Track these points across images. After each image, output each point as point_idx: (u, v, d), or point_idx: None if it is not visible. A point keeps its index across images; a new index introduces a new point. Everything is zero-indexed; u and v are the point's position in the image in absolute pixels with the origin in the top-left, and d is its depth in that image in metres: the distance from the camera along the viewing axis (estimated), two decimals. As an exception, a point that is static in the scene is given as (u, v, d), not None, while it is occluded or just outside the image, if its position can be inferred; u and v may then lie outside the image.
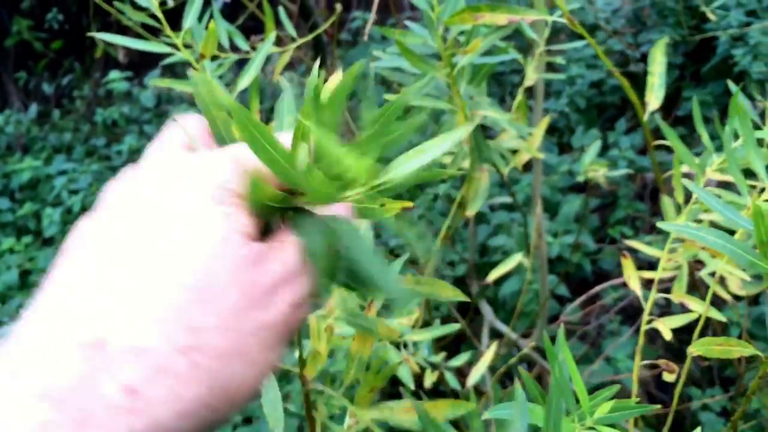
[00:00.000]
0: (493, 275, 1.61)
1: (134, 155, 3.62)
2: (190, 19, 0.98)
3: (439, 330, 1.31)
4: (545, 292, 1.81)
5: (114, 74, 3.71)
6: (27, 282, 3.30)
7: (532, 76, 1.43)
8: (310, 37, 1.70)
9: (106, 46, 3.09)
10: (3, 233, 3.54)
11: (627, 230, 2.29)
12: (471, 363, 1.65)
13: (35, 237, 3.48)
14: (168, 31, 0.97)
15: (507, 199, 2.52)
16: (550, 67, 1.57)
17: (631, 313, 2.15)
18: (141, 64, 3.94)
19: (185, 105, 3.84)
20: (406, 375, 1.21)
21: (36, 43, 4.54)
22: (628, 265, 0.87)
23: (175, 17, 1.01)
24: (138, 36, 1.06)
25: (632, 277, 0.89)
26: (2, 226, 3.57)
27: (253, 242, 0.35)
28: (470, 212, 1.29)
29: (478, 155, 1.21)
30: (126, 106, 3.90)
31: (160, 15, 0.97)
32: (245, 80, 1.06)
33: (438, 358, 1.56)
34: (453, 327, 1.31)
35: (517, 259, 1.66)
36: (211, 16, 1.03)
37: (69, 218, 3.31)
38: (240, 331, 0.32)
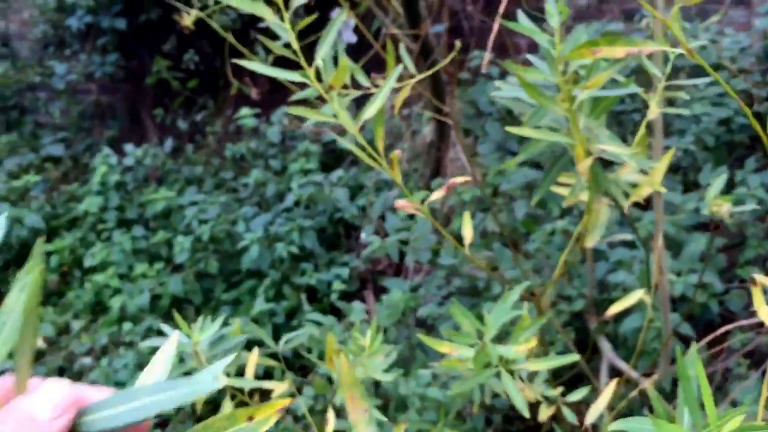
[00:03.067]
0: (613, 310, 1.58)
1: (260, 188, 3.79)
2: (324, 50, 1.05)
3: (555, 360, 1.30)
4: (668, 331, 1.76)
5: (245, 111, 3.91)
6: (157, 305, 3.50)
7: (655, 109, 1.42)
8: (428, 73, 1.75)
9: (239, 84, 3.27)
10: (137, 259, 3.77)
11: (757, 271, 2.19)
12: (588, 401, 1.62)
13: (166, 263, 3.69)
14: (302, 62, 1.04)
15: (627, 237, 2.47)
16: (671, 104, 1.55)
17: (759, 357, 2.05)
18: (269, 102, 4.14)
19: (307, 141, 3.99)
20: (521, 404, 1.21)
21: (173, 81, 4.85)
22: (758, 294, 0.85)
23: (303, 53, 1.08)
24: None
25: (762, 309, 0.87)
26: (137, 253, 3.79)
27: None
28: (589, 243, 1.28)
29: (596, 187, 1.21)
30: (253, 141, 4.09)
31: (296, 46, 1.03)
32: (370, 110, 1.12)
33: (555, 392, 1.54)
34: (570, 357, 1.30)
35: (637, 295, 1.62)
36: (336, 54, 1.10)
37: (198, 246, 3.49)
38: None
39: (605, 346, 2.15)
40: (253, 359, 1.41)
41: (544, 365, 1.28)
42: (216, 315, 3.24)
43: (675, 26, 1.22)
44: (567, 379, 2.14)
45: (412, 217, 2.99)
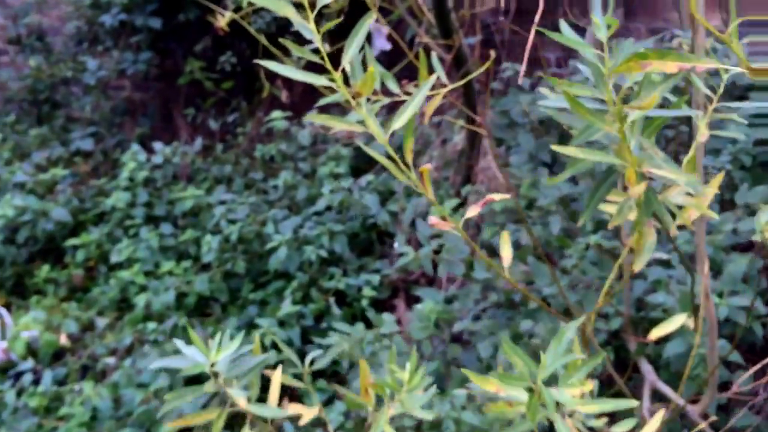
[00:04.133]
0: (655, 334, 1.57)
1: (290, 191, 3.80)
2: (350, 52, 1.03)
3: (611, 403, 1.24)
4: (714, 359, 1.74)
5: (276, 113, 3.93)
6: (183, 303, 3.51)
7: (705, 132, 1.41)
8: (461, 83, 1.75)
9: (272, 87, 3.30)
10: (164, 256, 3.78)
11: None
12: (634, 430, 1.60)
13: (194, 262, 3.70)
14: (329, 65, 1.02)
15: (663, 255, 2.46)
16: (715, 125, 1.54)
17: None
18: (300, 105, 4.16)
19: (338, 145, 4.00)
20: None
21: (207, 82, 4.88)
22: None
23: (332, 61, 1.06)
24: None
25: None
26: (164, 250, 3.81)
27: None
28: (638, 267, 1.27)
29: (646, 210, 1.20)
30: (284, 143, 4.11)
31: (322, 49, 1.01)
32: (401, 120, 1.10)
33: (600, 423, 1.53)
34: (626, 402, 1.23)
35: (680, 319, 1.61)
36: (365, 60, 1.09)
37: (226, 246, 3.50)
38: None
39: (646, 368, 2.13)
40: (277, 380, 1.25)
41: (598, 408, 1.24)
42: (243, 313, 3.28)
43: (734, 44, 1.21)
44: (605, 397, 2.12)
45: (443, 225, 2.99)
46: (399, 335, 2.62)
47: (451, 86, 1.57)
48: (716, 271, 2.26)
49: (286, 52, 3.31)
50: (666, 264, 2.49)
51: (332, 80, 1.01)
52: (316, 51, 1.03)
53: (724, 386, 1.90)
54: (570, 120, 1.16)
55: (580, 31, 1.16)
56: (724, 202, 2.79)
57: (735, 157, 2.79)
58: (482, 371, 2.10)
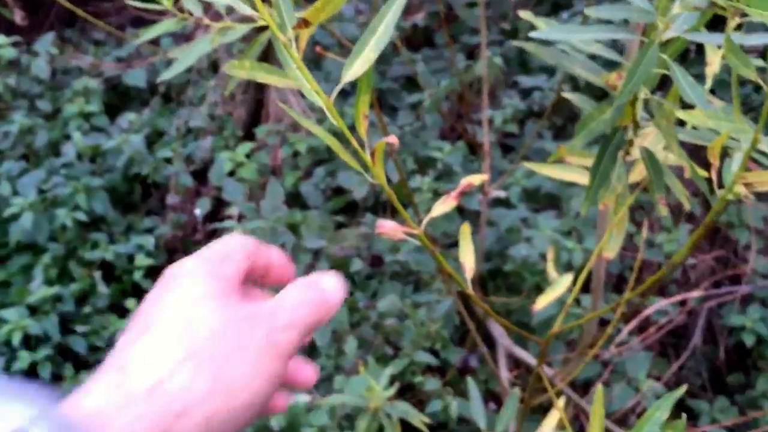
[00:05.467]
0: (542, 302, 1.22)
1: (25, 136, 3.01)
2: None
3: None
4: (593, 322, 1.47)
5: (1, 39, 3.07)
6: None
7: None
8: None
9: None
10: None
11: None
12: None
13: None
14: None
15: (500, 193, 2.14)
16: None
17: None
18: (31, 28, 3.31)
19: (86, 77, 3.24)
20: None
21: None
22: None
23: None
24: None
25: None
26: None
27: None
28: (611, 253, 0.90)
29: (656, 176, 0.80)
30: (12, 77, 3.26)
31: None
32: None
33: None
34: None
35: (567, 281, 1.27)
36: None
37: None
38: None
39: (498, 331, 1.82)
40: None
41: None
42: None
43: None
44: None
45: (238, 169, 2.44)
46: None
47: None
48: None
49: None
50: (506, 204, 2.19)
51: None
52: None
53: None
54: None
55: None
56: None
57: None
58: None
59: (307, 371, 0.47)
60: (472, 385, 1.13)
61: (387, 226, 0.60)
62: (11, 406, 0.36)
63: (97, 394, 0.37)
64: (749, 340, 2.05)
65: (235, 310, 0.41)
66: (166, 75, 0.96)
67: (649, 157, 0.77)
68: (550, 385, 1.54)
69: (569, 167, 0.89)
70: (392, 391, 1.31)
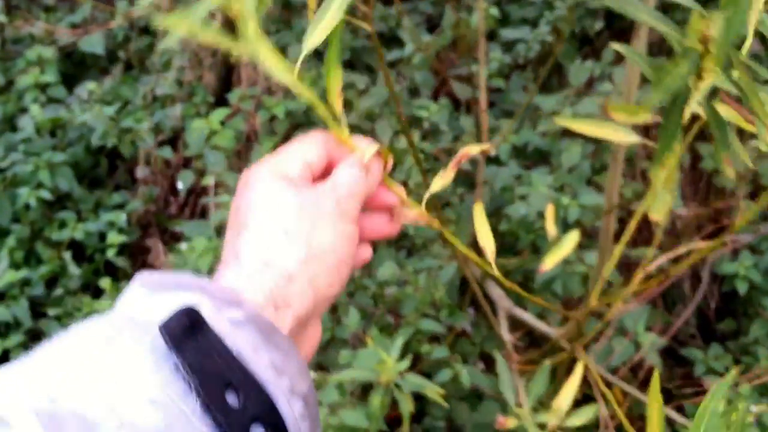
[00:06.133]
0: (550, 262, 1.14)
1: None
2: None
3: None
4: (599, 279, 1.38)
5: (-58, 6, 2.86)
6: None
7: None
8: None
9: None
10: None
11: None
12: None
13: None
14: None
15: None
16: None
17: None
18: (-24, -7, 3.09)
19: (39, 46, 3.05)
20: None
21: None
22: None
23: None
24: None
25: None
26: None
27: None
28: (659, 216, 0.81)
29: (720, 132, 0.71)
30: (-41, 48, 3.05)
31: None
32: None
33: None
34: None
35: (574, 238, 1.19)
36: None
37: None
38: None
39: (497, 293, 1.74)
40: None
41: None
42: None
43: None
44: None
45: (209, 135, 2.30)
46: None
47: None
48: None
49: None
50: (497, 161, 2.10)
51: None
52: None
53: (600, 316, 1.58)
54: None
55: None
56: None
57: None
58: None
59: (384, 225, 0.55)
60: (500, 360, 1.05)
61: (410, 216, 0.54)
62: (176, 293, 0.43)
63: (228, 277, 0.46)
64: (742, 288, 2.00)
65: (306, 193, 0.49)
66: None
67: (713, 112, 0.67)
68: (563, 349, 1.47)
69: (605, 123, 0.80)
70: (406, 363, 1.22)
